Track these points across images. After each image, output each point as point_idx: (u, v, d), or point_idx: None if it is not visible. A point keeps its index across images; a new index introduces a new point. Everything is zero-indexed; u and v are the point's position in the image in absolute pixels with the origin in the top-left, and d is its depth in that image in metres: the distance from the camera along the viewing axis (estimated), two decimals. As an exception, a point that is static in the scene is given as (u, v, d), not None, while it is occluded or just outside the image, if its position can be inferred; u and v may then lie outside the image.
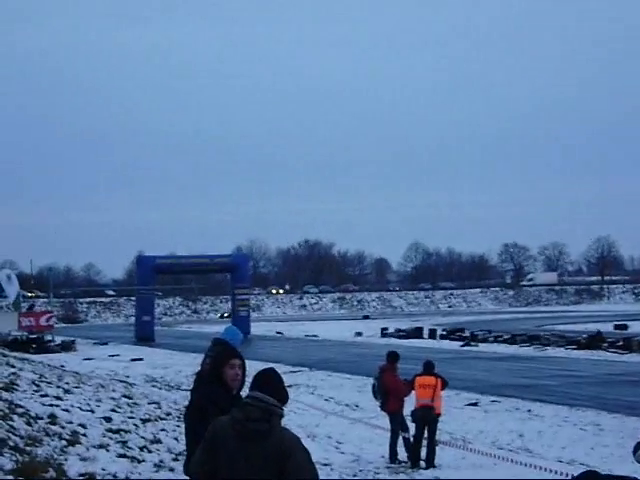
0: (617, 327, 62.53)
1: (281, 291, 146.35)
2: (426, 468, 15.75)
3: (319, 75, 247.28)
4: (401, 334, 63.13)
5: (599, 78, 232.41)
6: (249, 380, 6.27)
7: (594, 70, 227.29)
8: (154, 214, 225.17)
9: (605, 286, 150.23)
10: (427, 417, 16.25)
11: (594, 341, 47.45)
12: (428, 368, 16.89)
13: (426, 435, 16.31)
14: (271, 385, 6.05)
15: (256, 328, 74.77)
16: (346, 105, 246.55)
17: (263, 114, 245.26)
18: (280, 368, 36.85)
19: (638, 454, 9.12)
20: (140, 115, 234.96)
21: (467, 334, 57.83)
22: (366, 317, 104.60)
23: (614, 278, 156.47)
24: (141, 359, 45.17)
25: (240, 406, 5.94)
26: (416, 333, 62.79)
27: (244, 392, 6.34)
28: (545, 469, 14.43)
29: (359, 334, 66.93)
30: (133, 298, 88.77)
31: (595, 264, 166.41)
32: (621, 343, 45.91)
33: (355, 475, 15.41)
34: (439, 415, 16.53)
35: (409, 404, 16.78)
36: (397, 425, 16.64)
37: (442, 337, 59.85)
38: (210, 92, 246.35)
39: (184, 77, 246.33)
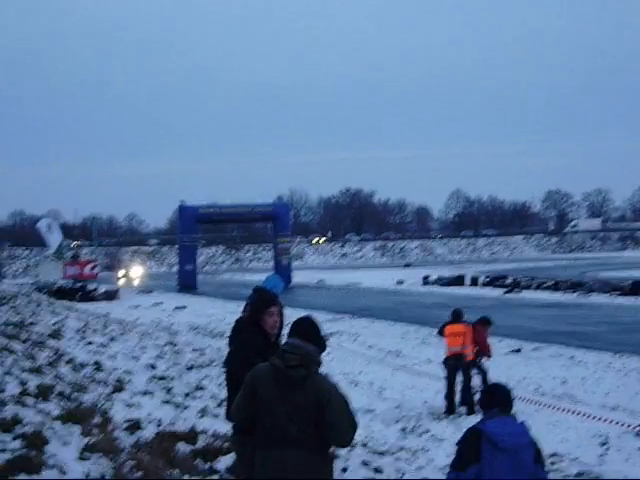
0: (661, 273, 61.92)
1: (322, 240, 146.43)
2: (468, 414, 15.79)
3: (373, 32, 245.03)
4: (443, 282, 62.98)
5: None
6: (288, 328, 6.28)
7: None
8: (196, 164, 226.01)
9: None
10: (459, 364, 16.42)
11: (638, 288, 47.05)
12: (457, 316, 17.10)
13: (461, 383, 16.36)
14: (309, 333, 6.08)
15: (298, 277, 75.01)
16: (393, 56, 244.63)
17: (303, 64, 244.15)
18: (322, 316, 37.02)
19: None
20: (185, 66, 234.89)
21: (510, 281, 57.55)
22: (407, 265, 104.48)
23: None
24: (184, 307, 45.56)
25: (279, 353, 5.96)
26: (458, 281, 62.59)
27: (284, 338, 6.34)
28: (588, 415, 14.40)
29: (400, 282, 66.89)
30: (176, 247, 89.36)
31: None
32: (666, 289, 45.51)
33: (398, 421, 15.48)
34: (471, 362, 16.71)
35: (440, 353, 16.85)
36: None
37: (484, 284, 59.64)
38: (262, 40, 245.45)
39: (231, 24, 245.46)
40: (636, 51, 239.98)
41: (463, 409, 16.24)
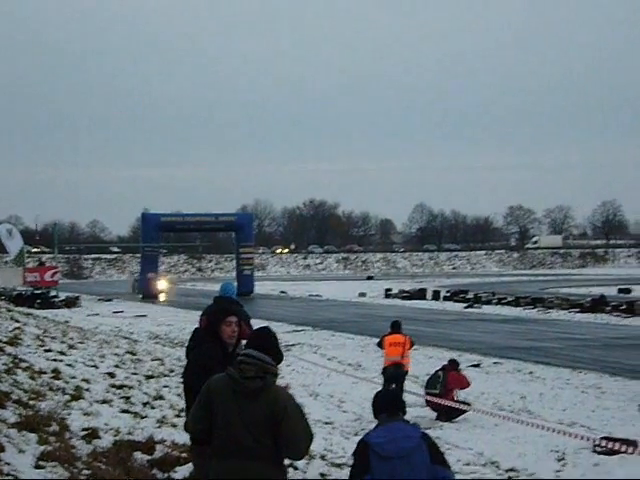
0: (621, 291, 62.53)
1: (285, 251, 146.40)
2: None
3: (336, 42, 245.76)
4: (405, 295, 63.18)
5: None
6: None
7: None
8: (160, 172, 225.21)
9: (609, 250, 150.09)
10: (397, 373, 17.00)
11: (597, 305, 47.43)
12: (396, 327, 17.65)
13: None
14: (266, 344, 6.07)
15: (260, 287, 74.93)
16: (358, 68, 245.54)
17: (268, 76, 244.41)
18: (283, 327, 37.04)
19: None
20: (146, 74, 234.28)
21: (471, 296, 57.84)
22: (370, 278, 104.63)
23: (619, 242, 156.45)
24: (145, 316, 45.32)
25: (235, 364, 5.96)
26: (420, 294, 62.81)
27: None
28: (546, 431, 14.48)
29: (363, 294, 66.97)
30: (138, 255, 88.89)
31: (600, 228, 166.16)
32: (624, 307, 45.85)
33: (357, 434, 15.49)
34: (407, 372, 17.44)
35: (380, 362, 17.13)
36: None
37: (446, 298, 59.89)
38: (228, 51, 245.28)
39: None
40: (601, 68, 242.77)
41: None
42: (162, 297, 65.92)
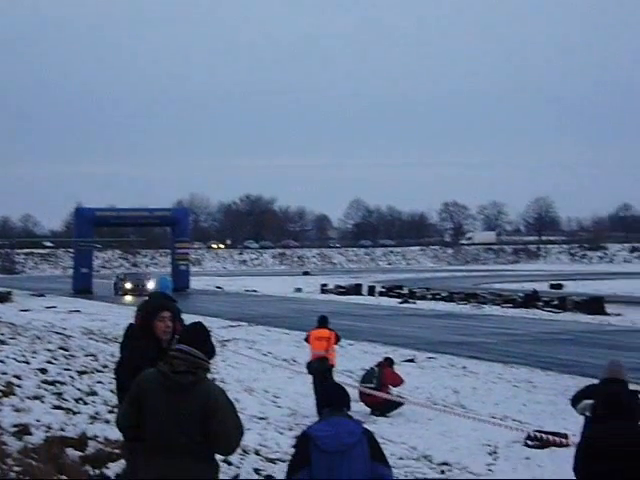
0: (553, 286, 63.58)
1: (221, 246, 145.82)
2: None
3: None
4: (340, 290, 63.40)
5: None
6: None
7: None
8: (95, 167, 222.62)
9: (542, 246, 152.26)
10: (322, 367, 17.03)
11: (530, 300, 48.15)
12: (323, 322, 17.75)
13: None
14: (198, 339, 6.04)
15: (196, 283, 74.57)
16: (301, 65, 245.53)
17: (202, 69, 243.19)
18: (219, 322, 36.90)
19: (580, 407, 9.34)
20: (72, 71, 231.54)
21: (406, 291, 58.23)
22: (306, 273, 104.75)
23: (551, 238, 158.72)
24: (78, 311, 44.79)
25: (166, 359, 5.93)
26: (355, 290, 63.08)
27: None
28: (479, 424, 14.66)
29: (299, 290, 67.04)
30: (71, 250, 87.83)
31: (533, 224, 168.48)
32: (556, 302, 46.66)
33: (291, 429, 15.51)
34: (333, 366, 17.44)
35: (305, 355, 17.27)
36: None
37: (381, 294, 60.22)
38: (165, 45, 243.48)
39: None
40: (527, 65, 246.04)
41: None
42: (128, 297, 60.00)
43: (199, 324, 6.25)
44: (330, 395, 6.21)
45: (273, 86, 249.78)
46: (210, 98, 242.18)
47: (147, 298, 7.85)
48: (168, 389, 5.81)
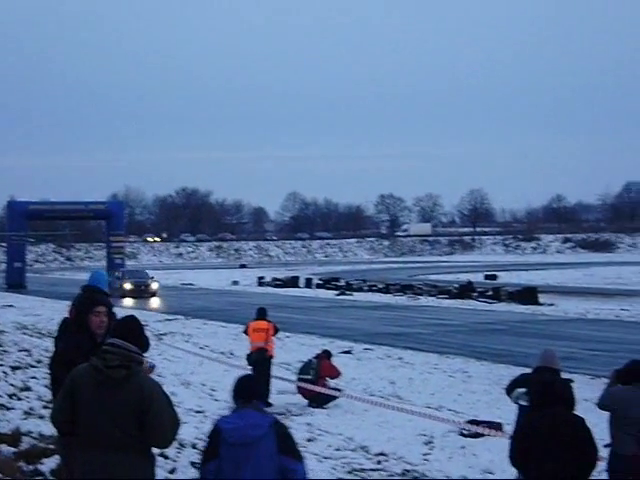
0: (487, 277, 64.31)
1: (157, 239, 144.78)
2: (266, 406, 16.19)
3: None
4: (277, 283, 63.39)
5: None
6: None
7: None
8: (28, 160, 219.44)
9: (477, 237, 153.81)
10: (261, 358, 17.29)
11: (465, 291, 48.61)
12: (261, 314, 17.95)
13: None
14: (131, 332, 6.00)
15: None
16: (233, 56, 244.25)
17: (139, 62, 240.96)
18: (155, 316, 36.68)
19: (514, 395, 9.47)
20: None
21: (342, 283, 58.43)
22: (243, 266, 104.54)
23: (485, 229, 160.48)
24: (11, 306, 44.14)
25: (99, 354, 5.88)
26: (292, 282, 63.13)
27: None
28: (415, 414, 14.77)
29: (236, 283, 66.87)
30: (3, 244, 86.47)
31: (467, 216, 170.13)
32: (490, 293, 47.18)
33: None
34: (272, 357, 17.68)
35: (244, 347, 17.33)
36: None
37: (318, 286, 60.35)
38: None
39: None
40: (467, 61, 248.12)
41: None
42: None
43: (132, 317, 6.21)
44: (240, 387, 6.15)
45: (208, 79, 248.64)
46: (145, 90, 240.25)
47: (80, 292, 7.73)
48: (101, 384, 5.77)
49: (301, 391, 17.22)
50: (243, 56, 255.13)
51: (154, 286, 54.20)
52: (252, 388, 6.15)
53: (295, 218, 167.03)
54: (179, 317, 37.40)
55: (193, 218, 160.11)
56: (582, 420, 7.15)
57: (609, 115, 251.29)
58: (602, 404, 9.14)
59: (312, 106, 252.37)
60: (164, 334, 29.78)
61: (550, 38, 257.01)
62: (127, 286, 53.36)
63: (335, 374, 17.56)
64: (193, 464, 11.15)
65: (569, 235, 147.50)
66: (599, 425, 9.42)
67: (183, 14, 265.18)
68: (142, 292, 52.88)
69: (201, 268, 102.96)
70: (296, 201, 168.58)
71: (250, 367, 17.50)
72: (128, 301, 48.63)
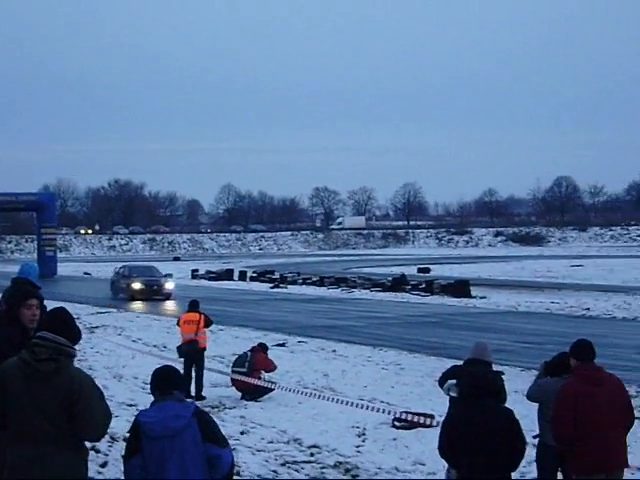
0: (420, 270, 64.70)
1: (90, 231, 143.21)
2: (197, 399, 16.24)
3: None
4: (212, 276, 63.13)
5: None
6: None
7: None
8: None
9: (410, 230, 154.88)
10: (191, 350, 17.38)
11: (398, 284, 48.87)
12: (193, 306, 18.11)
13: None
14: (61, 325, 5.94)
15: (63, 269, 73.07)
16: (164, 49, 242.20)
17: (75, 55, 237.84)
18: (87, 309, 36.32)
19: (445, 387, 9.59)
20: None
21: (277, 276, 58.40)
22: (177, 259, 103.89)
23: (419, 223, 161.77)
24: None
25: (28, 347, 5.82)
26: (227, 275, 62.94)
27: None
28: (348, 407, 14.85)
29: (169, 275, 66.38)
30: None
31: (401, 209, 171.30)
32: (423, 286, 47.51)
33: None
34: (204, 349, 17.78)
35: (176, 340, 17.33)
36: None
37: (252, 279, 60.24)
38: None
39: None
40: (403, 57, 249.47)
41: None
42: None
43: (61, 309, 6.16)
44: (158, 379, 6.13)
45: (142, 71, 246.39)
46: (77, 81, 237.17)
47: (10, 284, 7.63)
48: (30, 377, 5.71)
49: (235, 384, 17.20)
50: (174, 50, 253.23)
51: (169, 286, 45.44)
52: (171, 379, 6.11)
53: (229, 211, 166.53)
54: (112, 310, 37.09)
55: (126, 210, 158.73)
56: (510, 412, 7.27)
57: (540, 111, 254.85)
58: (531, 396, 9.32)
59: (247, 98, 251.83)
60: (96, 327, 29.51)
61: (485, 33, 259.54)
62: (136, 286, 44.32)
63: (270, 367, 17.57)
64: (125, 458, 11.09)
65: (501, 229, 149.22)
66: (529, 416, 9.60)
67: None
68: (154, 293, 44.21)
69: (134, 261, 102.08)
70: (230, 194, 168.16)
71: (181, 359, 17.47)
72: (138, 305, 41.01)
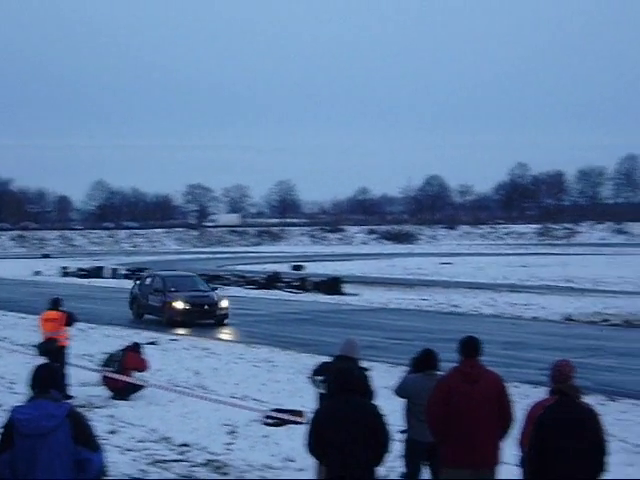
0: (294, 268, 65.03)
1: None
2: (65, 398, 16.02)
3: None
4: (82, 273, 62.15)
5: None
6: None
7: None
8: None
9: (284, 228, 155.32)
10: (51, 348, 17.23)
11: (272, 281, 49.03)
12: (53, 304, 18.19)
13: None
14: None
15: None
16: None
17: None
18: (-50, 308, 35.18)
19: (315, 383, 9.70)
20: None
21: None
22: (46, 256, 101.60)
23: (293, 220, 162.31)
24: None
25: None
26: (97, 272, 62.07)
27: None
28: (219, 403, 14.86)
29: (38, 273, 65.04)
30: None
31: (276, 207, 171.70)
32: (297, 283, 47.78)
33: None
34: (64, 347, 17.67)
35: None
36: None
37: (124, 277, 59.47)
38: None
39: None
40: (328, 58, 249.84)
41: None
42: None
43: None
44: (37, 376, 6.13)
45: (22, 64, 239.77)
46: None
47: None
48: None
49: (106, 383, 16.99)
50: (58, 47, 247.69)
51: (223, 304, 31.61)
52: (49, 378, 6.09)
53: (101, 207, 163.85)
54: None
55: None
56: (375, 407, 7.41)
57: (413, 112, 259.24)
58: (398, 391, 9.51)
59: (121, 95, 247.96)
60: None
61: (371, 33, 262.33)
62: (178, 305, 30.99)
63: (141, 366, 17.39)
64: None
65: (374, 227, 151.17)
66: (398, 412, 9.78)
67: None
68: (206, 315, 31.18)
69: (1, 258, 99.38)
70: (102, 190, 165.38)
71: (42, 357, 17.15)
72: (180, 331, 29.16)
